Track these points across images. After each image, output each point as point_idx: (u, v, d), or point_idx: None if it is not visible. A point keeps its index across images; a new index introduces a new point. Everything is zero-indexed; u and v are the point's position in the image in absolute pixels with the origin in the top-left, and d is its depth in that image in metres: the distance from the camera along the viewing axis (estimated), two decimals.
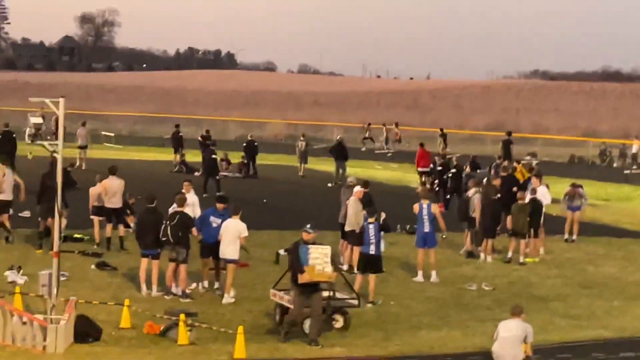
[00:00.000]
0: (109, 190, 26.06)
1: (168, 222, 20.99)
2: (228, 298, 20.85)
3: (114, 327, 18.21)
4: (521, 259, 26.59)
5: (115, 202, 26.14)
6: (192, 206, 23.45)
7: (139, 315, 18.56)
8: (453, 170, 36.48)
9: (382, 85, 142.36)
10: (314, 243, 18.18)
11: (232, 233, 20.82)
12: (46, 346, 16.44)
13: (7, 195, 26.63)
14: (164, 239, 20.97)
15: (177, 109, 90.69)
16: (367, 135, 71.46)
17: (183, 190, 23.73)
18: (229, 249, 20.92)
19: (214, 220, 21.48)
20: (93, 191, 26.40)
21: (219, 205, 21.78)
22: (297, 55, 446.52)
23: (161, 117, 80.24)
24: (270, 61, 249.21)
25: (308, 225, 18.37)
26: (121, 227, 26.26)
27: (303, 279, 17.84)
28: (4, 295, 18.49)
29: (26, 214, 28.89)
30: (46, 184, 25.67)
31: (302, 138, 49.55)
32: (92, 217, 26.38)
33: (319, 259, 17.98)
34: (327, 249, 18.18)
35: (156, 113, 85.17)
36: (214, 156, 40.33)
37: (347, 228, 24.44)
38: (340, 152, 44.80)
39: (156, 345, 17.28)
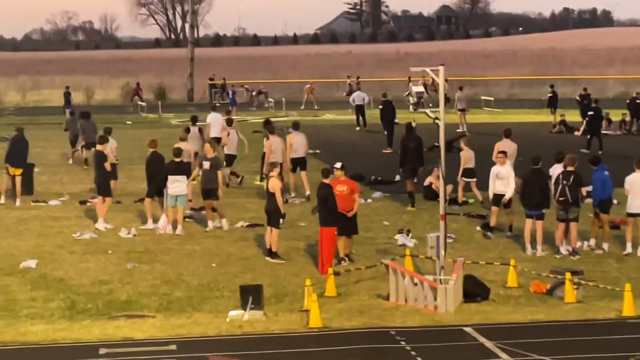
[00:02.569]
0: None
1: (564, 182, 21.07)
2: None
3: (501, 286, 18.61)
4: None
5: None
6: None
7: (524, 275, 18.84)
8: None
9: None
10: None
11: None
12: (437, 305, 17.11)
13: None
14: (561, 198, 21.05)
15: (552, 71, 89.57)
16: None
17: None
18: None
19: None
20: (465, 155, 27.02)
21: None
22: None
23: (537, 80, 79.63)
24: None
25: None
26: None
27: None
28: (395, 258, 19.39)
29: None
30: (407, 148, 27.25)
31: None
32: (461, 179, 27.06)
33: None
34: None
35: (532, 76, 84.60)
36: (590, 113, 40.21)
37: None
38: None
39: (543, 304, 17.48)
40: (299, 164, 28.88)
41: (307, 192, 28.07)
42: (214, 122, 33.96)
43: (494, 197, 23.13)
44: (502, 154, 23.43)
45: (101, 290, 18.70)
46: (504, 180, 22.82)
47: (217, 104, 51.24)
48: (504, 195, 22.77)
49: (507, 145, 26.07)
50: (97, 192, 25.01)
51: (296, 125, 30.22)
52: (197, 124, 32.56)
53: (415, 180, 27.39)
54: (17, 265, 20.61)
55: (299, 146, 28.88)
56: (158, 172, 24.54)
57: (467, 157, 27.09)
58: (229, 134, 31.27)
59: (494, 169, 23.18)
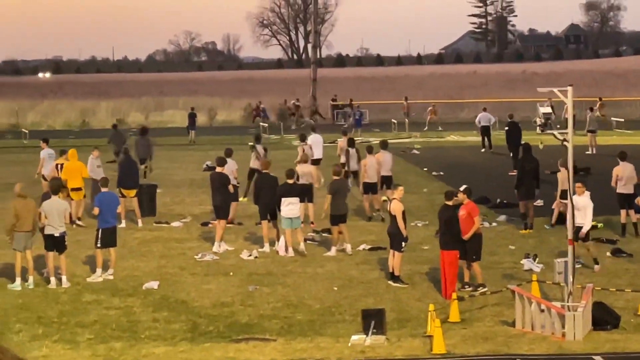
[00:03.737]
0: (623, 176, 25.72)
1: None
2: None
3: (633, 314, 17.92)
4: None
5: (627, 188, 25.73)
6: None
7: None
8: None
9: None
10: None
11: None
12: (565, 333, 16.55)
13: (371, 178, 28.95)
14: None
15: None
16: None
17: None
18: None
19: None
20: (561, 176, 26.22)
21: None
22: None
23: None
24: None
25: None
26: (632, 213, 25.77)
27: None
28: (521, 283, 18.87)
29: (539, 203, 29.14)
30: (524, 169, 27.00)
31: None
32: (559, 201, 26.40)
33: None
34: None
35: None
36: None
37: None
38: None
39: None
40: (385, 182, 29.16)
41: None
42: (315, 143, 33.90)
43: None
44: (580, 184, 22.07)
45: (222, 313, 18.65)
46: (580, 211, 21.66)
47: (345, 126, 51.29)
48: (581, 227, 21.69)
49: (625, 168, 25.46)
50: (215, 214, 25.05)
51: (384, 144, 30.44)
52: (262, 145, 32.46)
53: (535, 203, 26.86)
54: (140, 286, 20.75)
55: (386, 165, 29.32)
56: (266, 193, 24.45)
57: (563, 179, 26.24)
58: (347, 153, 31.19)
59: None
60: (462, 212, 20.00)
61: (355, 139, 37.15)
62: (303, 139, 32.89)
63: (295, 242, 23.87)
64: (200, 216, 29.59)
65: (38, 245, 21.62)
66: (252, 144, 33.64)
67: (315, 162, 32.30)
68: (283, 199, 23.79)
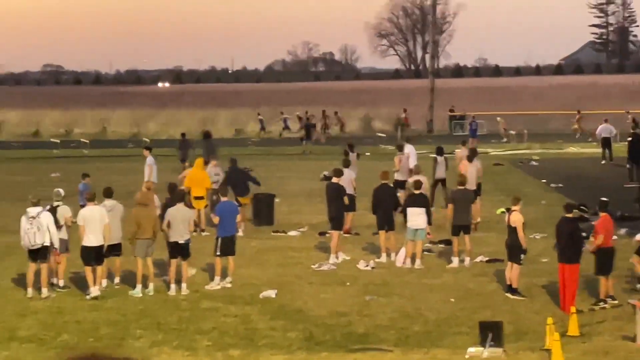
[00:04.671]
0: None
1: None
2: None
3: None
4: None
5: None
6: None
7: None
8: None
9: None
10: None
11: None
12: None
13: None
14: None
15: None
16: None
17: None
18: None
19: None
20: None
21: None
22: None
23: None
24: None
25: None
26: None
27: None
28: None
29: None
30: None
31: None
32: None
33: None
34: None
35: None
36: None
37: None
38: None
39: None
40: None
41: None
42: (413, 153, 33.77)
43: None
44: None
45: (339, 322, 18.71)
46: None
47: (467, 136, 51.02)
48: None
49: None
50: (330, 225, 25.07)
51: (473, 152, 30.59)
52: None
53: None
54: (257, 294, 20.94)
55: (471, 176, 28.87)
56: (385, 204, 24.40)
57: None
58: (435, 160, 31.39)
59: None
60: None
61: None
62: (400, 149, 32.82)
63: (414, 254, 23.77)
64: (317, 225, 29.71)
65: (159, 252, 22.03)
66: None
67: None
68: (409, 209, 23.76)
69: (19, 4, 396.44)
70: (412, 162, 33.21)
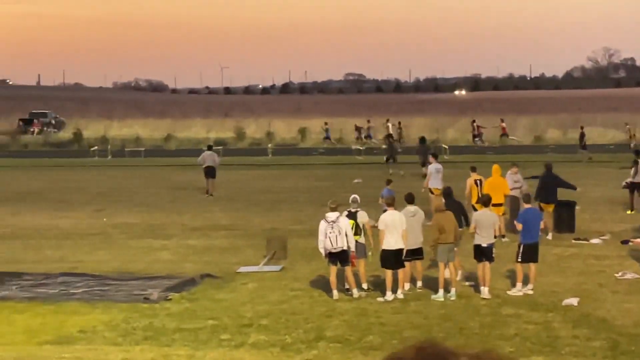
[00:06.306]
0: None
1: None
2: None
3: None
4: None
5: None
6: None
7: None
8: None
9: None
10: None
11: None
12: None
13: None
14: None
15: None
16: None
17: None
18: None
19: None
20: None
21: None
22: None
23: None
24: None
25: None
26: None
27: None
28: None
29: None
30: None
31: None
32: None
33: None
34: None
35: None
36: None
37: None
38: None
39: None
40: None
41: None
42: None
43: None
44: None
45: None
46: None
47: None
48: None
49: None
50: None
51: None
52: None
53: None
54: (559, 302, 20.78)
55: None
56: None
57: None
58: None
59: None
60: None
61: None
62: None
63: None
64: (619, 234, 29.05)
65: (463, 256, 22.33)
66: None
67: None
68: None
69: (323, 16, 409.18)
70: None
